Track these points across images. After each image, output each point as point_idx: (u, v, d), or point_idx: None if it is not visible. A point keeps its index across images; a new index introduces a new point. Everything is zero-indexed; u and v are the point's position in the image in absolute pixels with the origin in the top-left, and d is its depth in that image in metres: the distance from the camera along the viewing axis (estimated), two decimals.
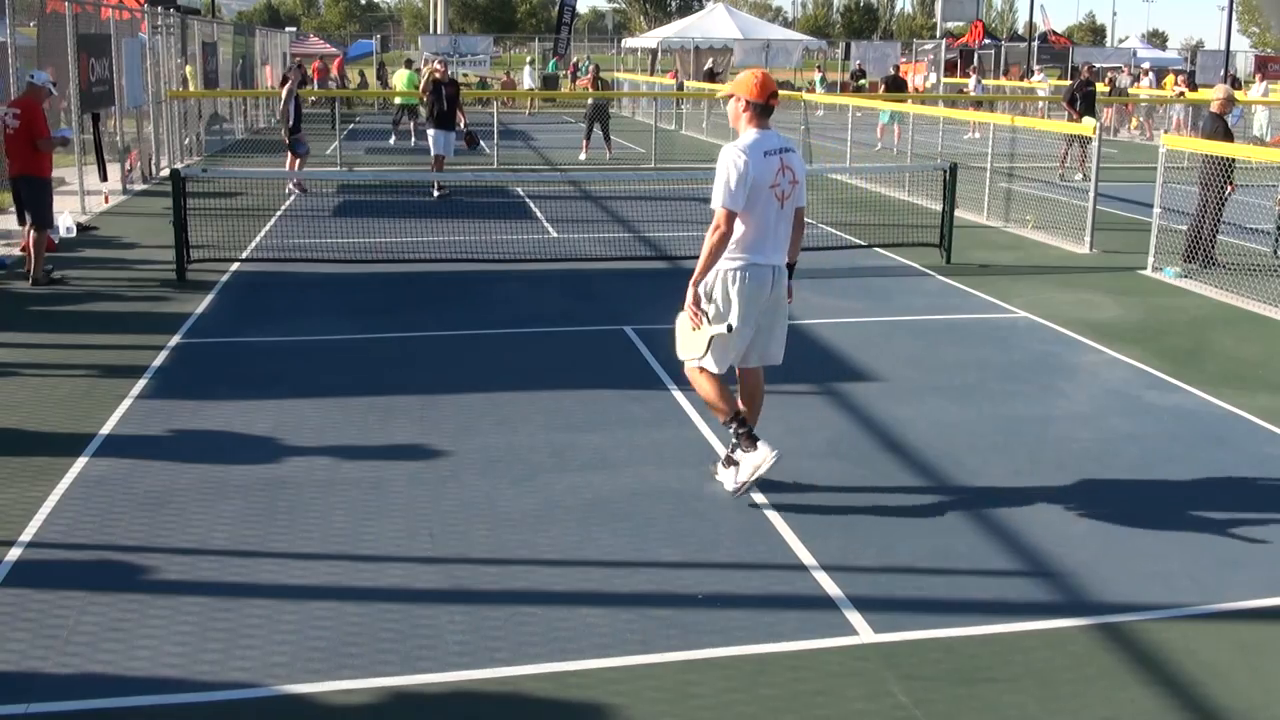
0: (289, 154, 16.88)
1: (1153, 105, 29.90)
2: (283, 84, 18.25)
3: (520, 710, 3.91)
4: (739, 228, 5.38)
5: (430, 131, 16.45)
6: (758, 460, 5.49)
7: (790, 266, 5.74)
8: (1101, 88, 31.22)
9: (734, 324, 5.41)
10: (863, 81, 33.98)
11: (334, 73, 37.00)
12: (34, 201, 10.44)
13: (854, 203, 16.14)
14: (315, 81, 33.42)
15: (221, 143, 23.90)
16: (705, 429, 6.64)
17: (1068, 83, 36.91)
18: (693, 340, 5.57)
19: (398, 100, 25.88)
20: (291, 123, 16.61)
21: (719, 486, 5.80)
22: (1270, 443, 6.65)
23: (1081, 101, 19.56)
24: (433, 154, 16.45)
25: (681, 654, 4.24)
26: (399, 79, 27.63)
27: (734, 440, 5.63)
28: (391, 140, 25.13)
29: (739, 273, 5.43)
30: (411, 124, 25.47)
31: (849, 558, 5.05)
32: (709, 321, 5.45)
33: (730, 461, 5.71)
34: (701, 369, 5.62)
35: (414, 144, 24.49)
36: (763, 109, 5.45)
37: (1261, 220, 13.19)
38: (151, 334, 8.59)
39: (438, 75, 16.40)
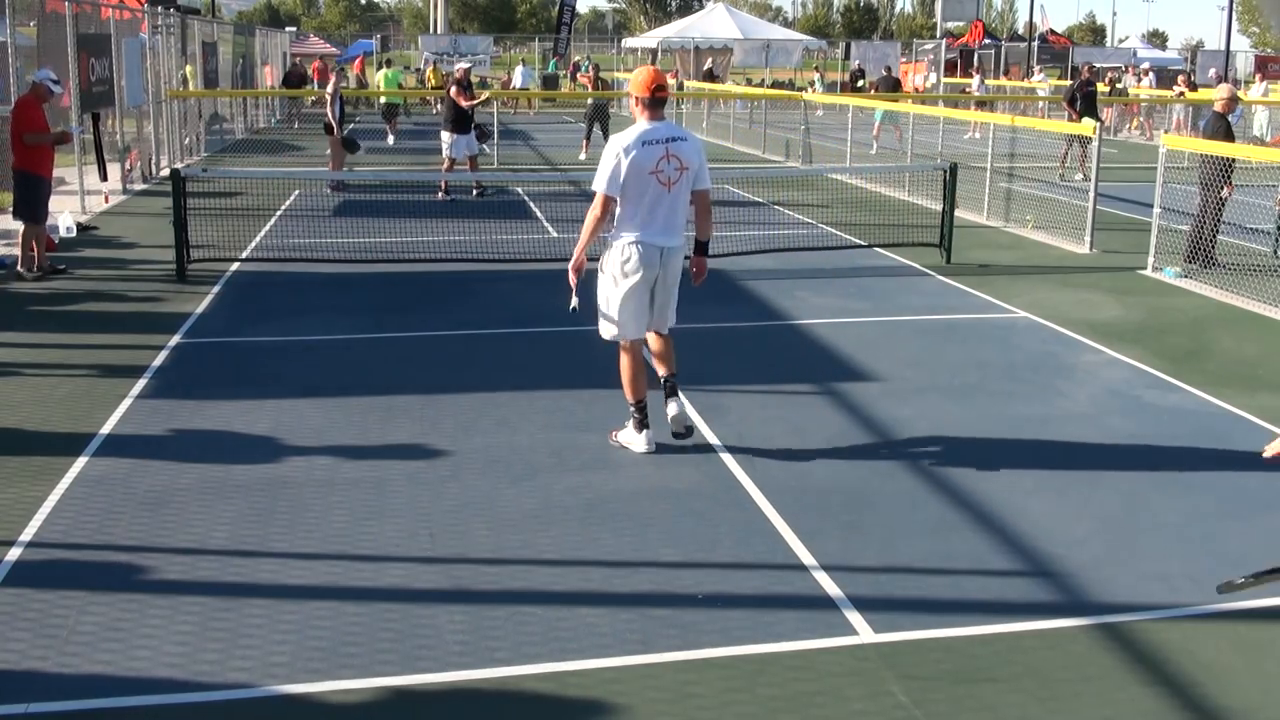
0: (335, 153, 17.17)
1: (1153, 105, 29.89)
2: (323, 85, 18.63)
3: (520, 710, 3.92)
4: (626, 210, 6.02)
5: (446, 135, 15.95)
6: (636, 446, 6.31)
7: (702, 245, 6.36)
8: (1101, 88, 31.24)
9: (577, 308, 6.18)
10: (861, 82, 33.96)
11: (354, 72, 37.34)
12: (19, 197, 10.51)
13: (854, 203, 16.14)
14: (315, 82, 33.41)
15: (221, 142, 23.91)
16: (705, 429, 6.64)
17: (1068, 83, 36.97)
18: (603, 323, 6.30)
19: (382, 99, 25.92)
20: (337, 121, 17.01)
21: (719, 486, 5.82)
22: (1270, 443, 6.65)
23: (1082, 102, 19.55)
24: (446, 155, 16.06)
25: (681, 654, 4.24)
26: (380, 78, 27.74)
27: (635, 417, 6.32)
28: (390, 140, 25.15)
29: (627, 250, 6.06)
30: (393, 122, 25.79)
31: (849, 558, 5.05)
32: (575, 295, 6.18)
33: (641, 425, 6.33)
34: (622, 350, 6.29)
35: (392, 143, 24.70)
36: (651, 102, 6.02)
37: (1261, 220, 13.19)
38: (151, 334, 8.59)
39: (459, 77, 16.35)
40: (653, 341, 6.35)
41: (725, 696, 3.98)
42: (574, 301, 6.19)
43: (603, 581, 4.82)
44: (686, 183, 6.08)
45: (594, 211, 6.03)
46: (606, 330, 6.31)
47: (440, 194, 15.82)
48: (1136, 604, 4.67)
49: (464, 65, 17.04)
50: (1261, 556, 5.14)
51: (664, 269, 6.14)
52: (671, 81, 33.22)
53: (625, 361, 6.29)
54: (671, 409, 6.24)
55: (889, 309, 9.84)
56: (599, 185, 6.02)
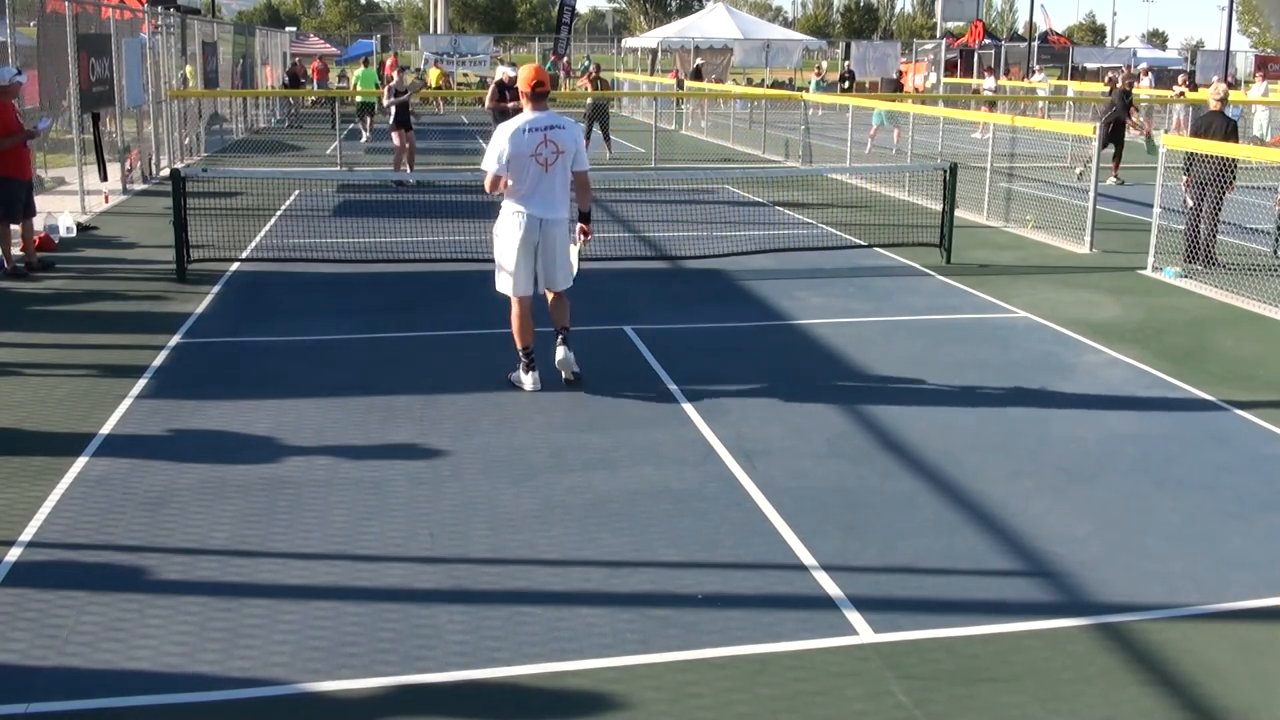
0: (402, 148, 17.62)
1: (1152, 105, 29.87)
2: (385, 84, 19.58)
3: (520, 710, 3.91)
4: (513, 186, 7.03)
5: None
6: (525, 385, 7.35)
7: (584, 214, 7.44)
8: (1101, 87, 31.22)
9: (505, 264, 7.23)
10: (846, 84, 33.93)
11: (387, 72, 37.48)
12: None
13: (854, 203, 16.14)
14: (315, 81, 33.46)
15: (221, 142, 23.91)
16: (705, 429, 6.65)
17: (1068, 83, 36.95)
18: (497, 278, 7.36)
19: (358, 99, 25.98)
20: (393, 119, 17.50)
21: (719, 486, 5.82)
22: (1270, 443, 6.66)
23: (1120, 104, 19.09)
24: None
25: (681, 654, 4.24)
26: (356, 77, 27.78)
27: (523, 361, 7.37)
28: (364, 138, 25.12)
29: (511, 219, 7.11)
30: (369, 120, 26.00)
31: (849, 558, 5.05)
32: (496, 258, 7.27)
33: (529, 369, 7.38)
34: (512, 303, 7.27)
35: (365, 141, 24.80)
36: (533, 95, 7.06)
37: (1261, 220, 13.19)
38: (151, 334, 8.59)
39: (505, 79, 16.60)
40: (549, 299, 7.37)
41: (725, 696, 3.98)
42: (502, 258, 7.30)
43: (603, 581, 4.82)
44: (564, 164, 7.09)
45: (485, 187, 7.14)
46: (500, 285, 7.30)
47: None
48: (1136, 604, 4.67)
49: (509, 71, 17.32)
50: (1261, 556, 5.15)
51: (544, 236, 7.12)
52: (671, 81, 33.39)
53: (514, 313, 7.28)
54: (559, 354, 7.33)
55: (889, 309, 9.84)
56: (487, 165, 7.07)
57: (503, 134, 6.98)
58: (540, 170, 6.99)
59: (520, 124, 7.01)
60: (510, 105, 15.90)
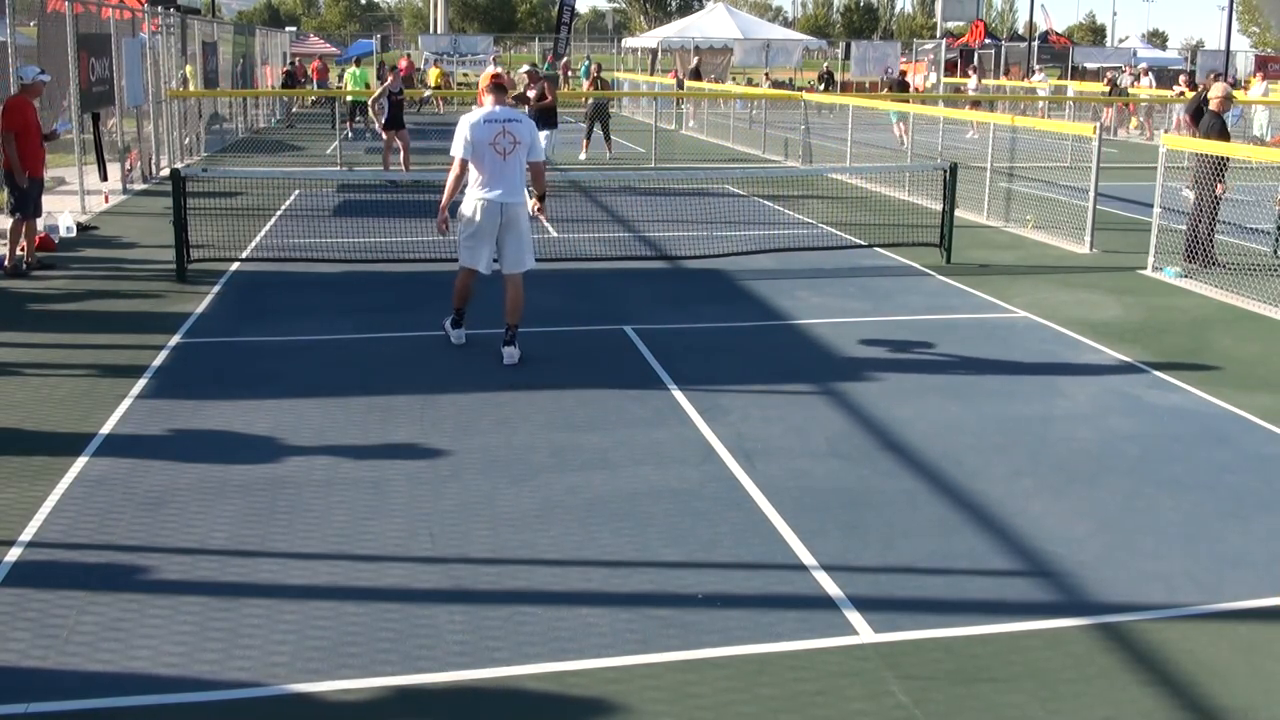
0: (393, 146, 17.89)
1: (1152, 105, 29.89)
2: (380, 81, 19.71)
3: (520, 710, 3.91)
4: (475, 173, 7.76)
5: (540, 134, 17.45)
6: (452, 339, 8.39)
7: (540, 197, 8.27)
8: (1101, 87, 31.24)
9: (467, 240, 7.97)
10: (824, 86, 33.89)
11: (403, 73, 37.58)
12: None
13: (854, 203, 16.14)
14: (315, 81, 33.46)
15: (221, 142, 23.91)
16: (705, 429, 6.65)
17: (1068, 83, 36.91)
18: (459, 251, 8.09)
19: (348, 99, 26.01)
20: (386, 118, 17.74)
21: (719, 486, 5.82)
22: (1270, 443, 6.66)
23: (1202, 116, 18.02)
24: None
25: (681, 654, 4.24)
26: (348, 78, 27.84)
27: (453, 317, 8.41)
28: (348, 136, 25.13)
29: (473, 203, 7.79)
30: (363, 121, 26.12)
31: (849, 558, 5.05)
32: (459, 235, 8.02)
33: (457, 325, 8.44)
34: (461, 272, 8.09)
35: (349, 136, 24.92)
36: (492, 89, 7.86)
37: (1261, 220, 13.19)
38: (151, 334, 8.59)
39: (533, 78, 17.46)
40: (507, 288, 7.98)
41: (725, 696, 3.98)
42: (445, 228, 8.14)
43: (603, 581, 4.82)
44: (520, 154, 7.77)
45: (451, 171, 7.87)
46: (461, 258, 8.05)
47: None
48: (1136, 604, 4.67)
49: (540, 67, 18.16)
50: (1261, 556, 5.15)
51: (505, 218, 7.79)
52: (671, 81, 33.38)
53: (459, 281, 8.17)
54: (505, 356, 7.93)
55: (889, 309, 9.84)
56: (454, 151, 7.80)
57: (465, 124, 7.73)
58: (498, 158, 7.69)
59: (480, 116, 7.74)
60: (531, 97, 17.01)
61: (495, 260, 8.00)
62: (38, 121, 10.76)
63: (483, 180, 7.75)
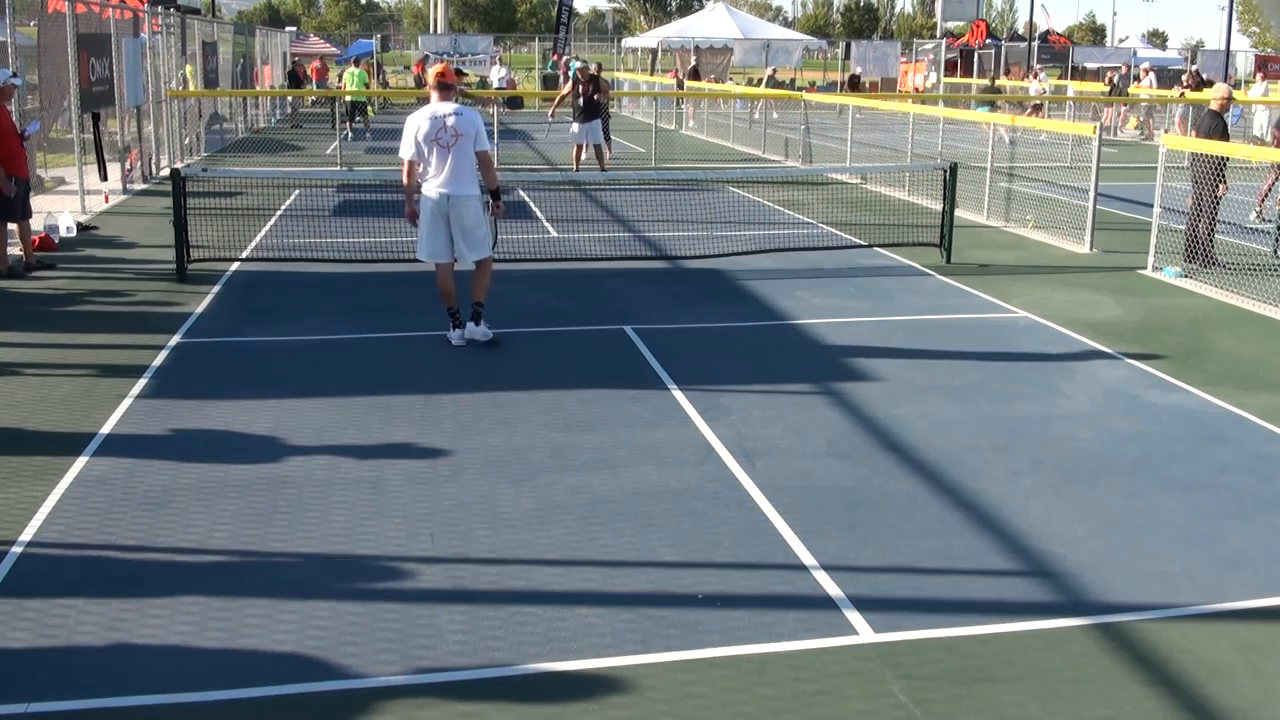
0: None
1: (1153, 105, 29.86)
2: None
3: (520, 710, 3.91)
4: (424, 168, 8.03)
5: (575, 126, 18.67)
6: (452, 340, 8.36)
7: (493, 192, 8.37)
8: (1100, 87, 31.19)
9: (421, 234, 8.28)
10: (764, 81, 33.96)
11: (415, 73, 37.86)
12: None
13: (854, 203, 16.14)
14: (314, 82, 33.44)
15: (221, 142, 23.90)
16: (705, 429, 6.64)
17: (1069, 83, 36.81)
18: (418, 248, 8.38)
19: (348, 99, 26.02)
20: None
21: (719, 486, 5.83)
22: (1270, 442, 6.66)
23: None
24: (576, 145, 18.77)
25: (681, 654, 4.24)
26: (347, 78, 27.89)
27: (449, 319, 8.41)
28: (348, 136, 25.13)
29: (424, 197, 8.11)
30: (363, 121, 26.35)
31: (849, 558, 5.05)
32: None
33: (454, 326, 8.41)
34: (435, 267, 8.33)
35: (349, 136, 24.98)
36: (438, 86, 8.09)
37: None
38: (151, 334, 8.59)
39: (594, 73, 18.79)
40: (474, 273, 8.30)
41: (725, 696, 3.98)
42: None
43: (603, 581, 4.82)
44: (466, 146, 7.98)
45: (403, 171, 8.18)
46: (419, 253, 8.32)
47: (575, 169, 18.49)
48: (1136, 604, 4.67)
49: (591, 65, 19.29)
50: (1261, 556, 5.15)
51: (453, 209, 8.04)
52: (671, 81, 33.36)
53: (438, 282, 8.35)
54: (468, 328, 8.30)
55: (889, 309, 9.84)
56: (401, 153, 8.12)
57: (410, 124, 8.01)
58: (444, 152, 7.94)
59: (424, 113, 8.03)
60: (586, 92, 18.29)
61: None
62: (12, 124, 10.73)
63: (430, 174, 8.02)
